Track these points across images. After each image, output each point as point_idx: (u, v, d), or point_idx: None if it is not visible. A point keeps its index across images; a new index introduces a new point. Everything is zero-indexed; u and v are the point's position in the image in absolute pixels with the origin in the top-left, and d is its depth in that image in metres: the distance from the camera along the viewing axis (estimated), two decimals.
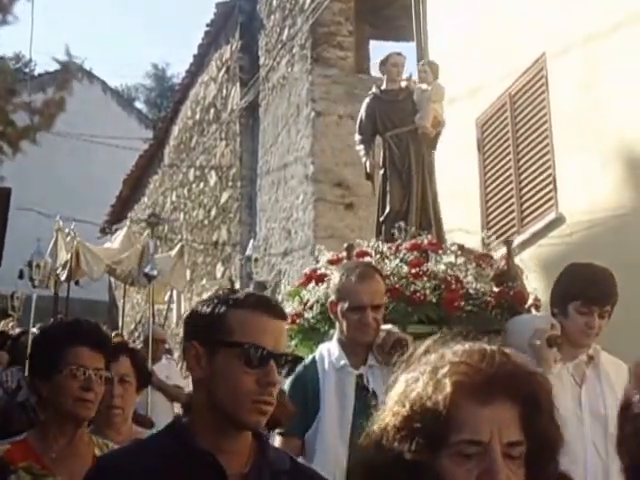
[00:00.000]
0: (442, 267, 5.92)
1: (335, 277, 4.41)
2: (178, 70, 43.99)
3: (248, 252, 12.71)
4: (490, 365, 1.65)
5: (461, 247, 6.22)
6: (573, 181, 8.30)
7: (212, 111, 17.73)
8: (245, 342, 2.29)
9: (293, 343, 5.60)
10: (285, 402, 3.04)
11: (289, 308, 5.88)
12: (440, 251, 6.09)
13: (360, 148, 7.15)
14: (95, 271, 12.52)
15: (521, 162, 9.15)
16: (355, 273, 4.27)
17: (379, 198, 6.91)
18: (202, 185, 18.02)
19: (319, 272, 6.17)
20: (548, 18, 8.57)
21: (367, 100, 7.27)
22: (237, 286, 15.40)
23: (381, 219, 6.81)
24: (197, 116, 18.77)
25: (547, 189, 8.77)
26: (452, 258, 6.02)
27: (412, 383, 1.70)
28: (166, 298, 14.12)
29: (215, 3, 16.85)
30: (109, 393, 3.79)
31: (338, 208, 13.68)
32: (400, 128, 6.96)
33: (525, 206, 9.18)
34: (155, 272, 11.26)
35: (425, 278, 5.79)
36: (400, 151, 6.89)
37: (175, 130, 20.32)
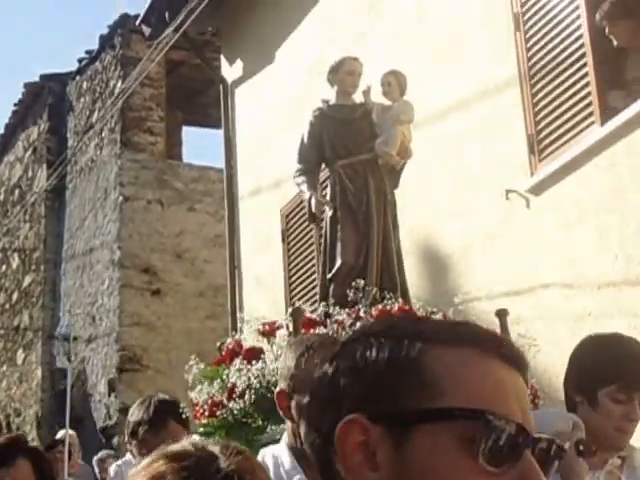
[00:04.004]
0: None
1: (288, 357, 3.05)
2: None
3: (64, 330, 12.16)
4: None
5: (445, 316, 4.84)
6: None
7: (17, 192, 17.30)
8: (480, 409, 1.13)
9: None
10: None
11: (204, 395, 4.56)
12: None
13: (300, 181, 5.49)
14: None
15: None
16: (320, 355, 2.96)
17: (326, 248, 5.35)
18: (4, 268, 17.47)
19: (249, 346, 4.70)
20: None
21: (311, 118, 5.67)
22: (39, 373, 14.91)
23: (329, 276, 5.26)
24: (1, 197, 18.27)
25: None
26: None
27: None
28: None
29: (24, 83, 16.60)
30: None
31: (145, 294, 13.51)
32: (356, 156, 5.38)
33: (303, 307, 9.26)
34: None
35: None
36: (356, 186, 5.30)
37: None
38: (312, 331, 4.50)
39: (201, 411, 4.47)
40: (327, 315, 4.79)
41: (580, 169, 6.38)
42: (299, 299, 9.62)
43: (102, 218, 14.25)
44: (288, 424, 3.02)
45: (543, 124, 6.70)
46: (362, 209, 5.29)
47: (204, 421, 4.44)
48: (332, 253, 5.32)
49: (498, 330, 4.47)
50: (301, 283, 9.64)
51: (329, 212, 5.37)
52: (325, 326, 4.66)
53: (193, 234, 14.14)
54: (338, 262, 5.26)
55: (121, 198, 13.84)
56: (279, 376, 3.11)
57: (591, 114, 6.32)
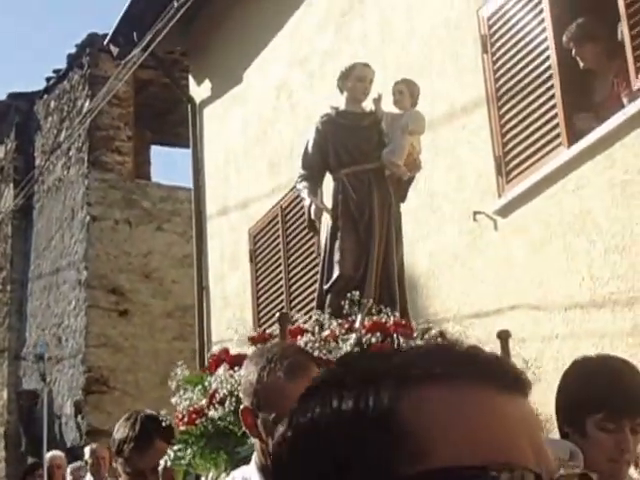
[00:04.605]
0: None
1: (249, 371, 2.75)
2: None
3: (39, 349, 12.09)
4: None
5: (442, 334, 4.62)
6: None
7: None
8: (480, 466, 0.84)
9: (188, 454, 4.14)
10: None
11: (185, 401, 4.41)
12: (414, 335, 4.38)
13: (302, 187, 5.26)
14: None
15: (292, 273, 9.24)
16: (284, 366, 2.66)
17: (324, 258, 5.14)
18: None
19: (234, 353, 4.48)
20: None
21: (318, 124, 5.38)
22: (5, 395, 14.74)
23: (326, 287, 5.07)
24: None
25: None
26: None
27: None
28: None
29: None
30: None
31: (112, 315, 13.41)
32: (361, 165, 5.17)
33: (296, 317, 9.24)
34: None
35: None
36: (359, 196, 5.08)
37: None
38: (299, 339, 4.33)
39: (180, 417, 4.27)
40: (320, 324, 4.58)
41: (547, 191, 6.40)
42: (267, 319, 9.58)
43: (69, 238, 14.14)
44: (257, 443, 2.73)
45: (510, 146, 6.72)
46: (364, 220, 5.08)
47: (182, 428, 4.25)
48: (330, 263, 5.11)
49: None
50: (269, 304, 9.60)
51: (330, 221, 5.16)
52: (314, 334, 4.43)
53: (161, 254, 14.06)
54: (336, 273, 5.06)
55: (88, 218, 13.75)
56: (242, 392, 2.83)
57: (558, 136, 6.34)
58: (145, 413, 3.81)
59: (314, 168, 5.29)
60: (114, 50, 11.47)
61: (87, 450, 9.32)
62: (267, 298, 9.68)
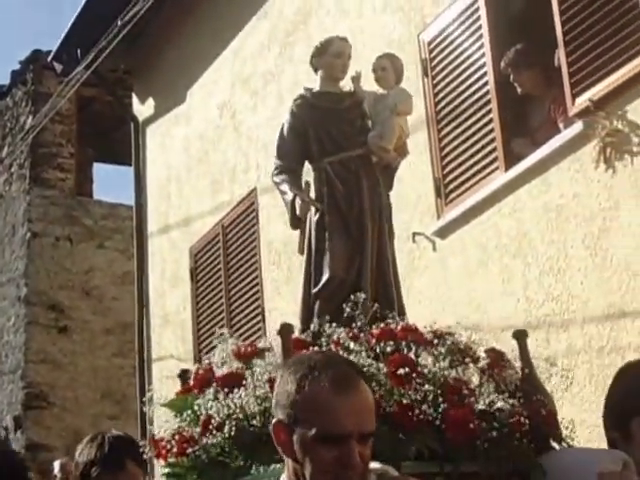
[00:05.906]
0: (443, 364, 3.79)
1: (285, 380, 2.33)
2: None
3: None
4: None
5: (456, 342, 4.19)
6: (282, 313, 8.46)
7: None
8: None
9: None
10: None
11: (173, 422, 3.95)
12: (436, 342, 3.96)
13: (280, 180, 4.64)
14: None
15: (232, 292, 9.26)
16: (329, 375, 2.25)
17: (310, 259, 4.51)
18: None
19: (224, 371, 3.95)
20: (261, 155, 8.83)
21: (292, 107, 4.77)
22: None
23: (314, 291, 4.46)
24: None
25: (256, 319, 8.89)
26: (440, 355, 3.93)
27: None
28: None
29: None
30: None
31: (51, 332, 13.33)
32: (347, 151, 4.58)
33: (236, 335, 9.25)
34: None
35: (419, 384, 3.61)
36: (346, 187, 4.52)
37: None
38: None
39: (168, 448, 3.83)
40: (316, 335, 4.07)
41: (485, 213, 6.49)
42: (207, 338, 9.58)
43: (10, 254, 14.05)
44: (289, 463, 2.34)
45: (449, 168, 6.81)
46: (354, 213, 4.52)
47: (172, 460, 3.82)
48: (318, 265, 4.48)
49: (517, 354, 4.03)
50: (210, 322, 9.61)
51: (314, 217, 4.53)
52: (320, 346, 3.88)
53: (102, 271, 14.01)
54: (326, 275, 4.45)
55: (29, 234, 13.67)
56: (274, 405, 2.38)
57: (495, 159, 6.44)
58: (112, 433, 3.50)
59: (292, 157, 4.69)
60: (58, 67, 11.43)
61: (56, 464, 9.17)
62: (207, 316, 9.68)
